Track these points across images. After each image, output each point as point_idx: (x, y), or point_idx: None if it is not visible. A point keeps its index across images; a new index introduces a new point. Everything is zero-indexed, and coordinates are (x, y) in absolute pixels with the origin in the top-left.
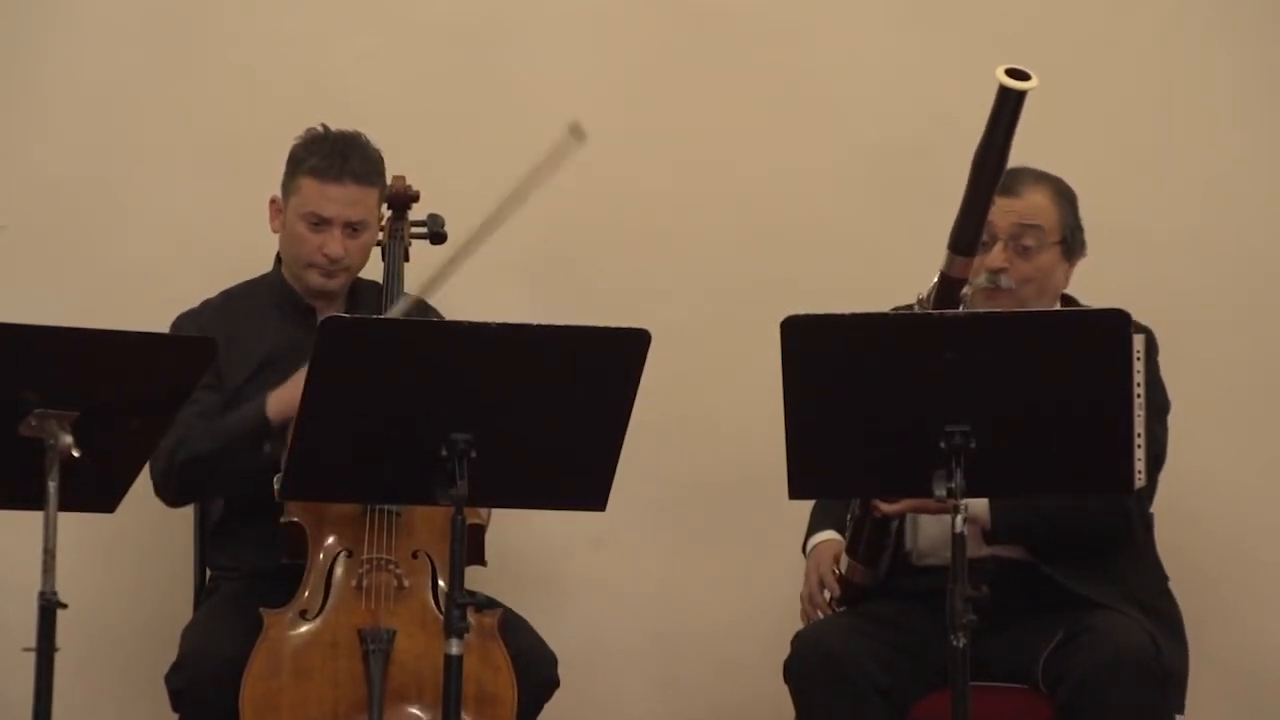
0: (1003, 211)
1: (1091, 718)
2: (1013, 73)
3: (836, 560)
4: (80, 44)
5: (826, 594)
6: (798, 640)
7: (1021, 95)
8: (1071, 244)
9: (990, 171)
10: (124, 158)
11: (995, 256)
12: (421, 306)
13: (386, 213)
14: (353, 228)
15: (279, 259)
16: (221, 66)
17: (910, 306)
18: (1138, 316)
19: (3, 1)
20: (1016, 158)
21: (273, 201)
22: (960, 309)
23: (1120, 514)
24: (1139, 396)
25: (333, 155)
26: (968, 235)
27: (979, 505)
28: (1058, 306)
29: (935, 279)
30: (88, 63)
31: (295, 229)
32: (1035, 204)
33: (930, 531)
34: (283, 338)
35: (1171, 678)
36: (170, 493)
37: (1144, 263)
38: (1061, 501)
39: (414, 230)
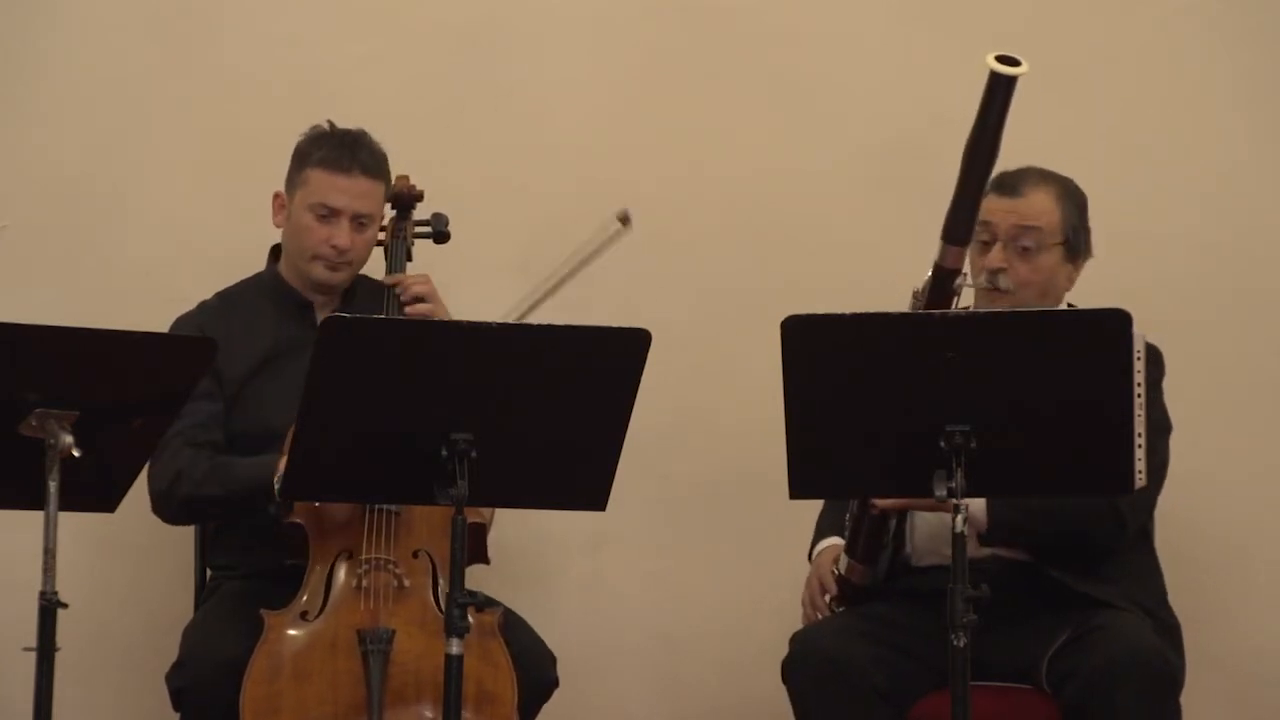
0: (1003, 212)
1: (1101, 715)
2: (1003, 59)
3: (835, 561)
4: (80, 44)
5: (826, 596)
6: (796, 641)
7: (1012, 81)
8: (1075, 245)
9: (982, 159)
10: (124, 158)
11: (994, 257)
12: None
13: (390, 212)
14: (360, 221)
15: (273, 256)
16: (222, 67)
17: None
18: (1138, 317)
19: (3, 1)
20: (1017, 159)
21: (276, 196)
22: (955, 299)
23: (1114, 517)
24: (1139, 397)
25: (342, 148)
26: (960, 224)
27: (976, 505)
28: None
29: (929, 271)
30: (88, 63)
31: (302, 221)
32: (1036, 204)
33: (926, 530)
34: (281, 334)
35: (1177, 683)
36: (167, 517)
37: (1144, 263)
38: (1057, 504)
39: (418, 230)
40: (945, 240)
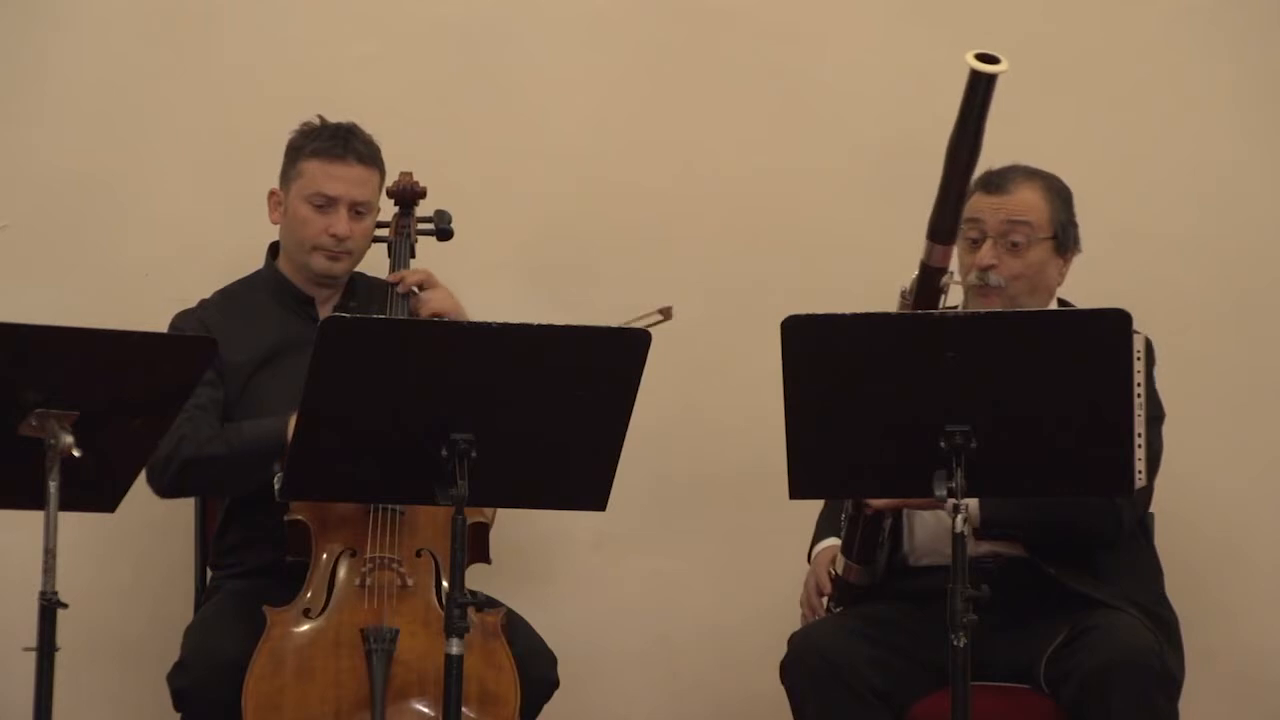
0: (991, 209)
1: (1097, 717)
2: (983, 58)
3: (833, 562)
4: (80, 44)
5: (824, 598)
6: (794, 641)
7: (992, 79)
8: (1064, 240)
9: (964, 157)
10: (124, 157)
11: (984, 254)
12: None
13: (394, 209)
14: (357, 210)
15: (272, 253)
16: (222, 67)
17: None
18: (1138, 317)
19: (3, 2)
20: (1016, 159)
21: (272, 194)
22: (942, 297)
23: (1110, 511)
24: (1139, 397)
25: (335, 139)
26: (945, 222)
27: (969, 501)
28: (1053, 304)
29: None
30: (88, 63)
31: (299, 213)
32: (1024, 200)
33: (925, 529)
34: (283, 330)
35: (1174, 681)
36: (163, 485)
37: (1144, 263)
38: (1052, 498)
39: (421, 227)
40: (930, 239)
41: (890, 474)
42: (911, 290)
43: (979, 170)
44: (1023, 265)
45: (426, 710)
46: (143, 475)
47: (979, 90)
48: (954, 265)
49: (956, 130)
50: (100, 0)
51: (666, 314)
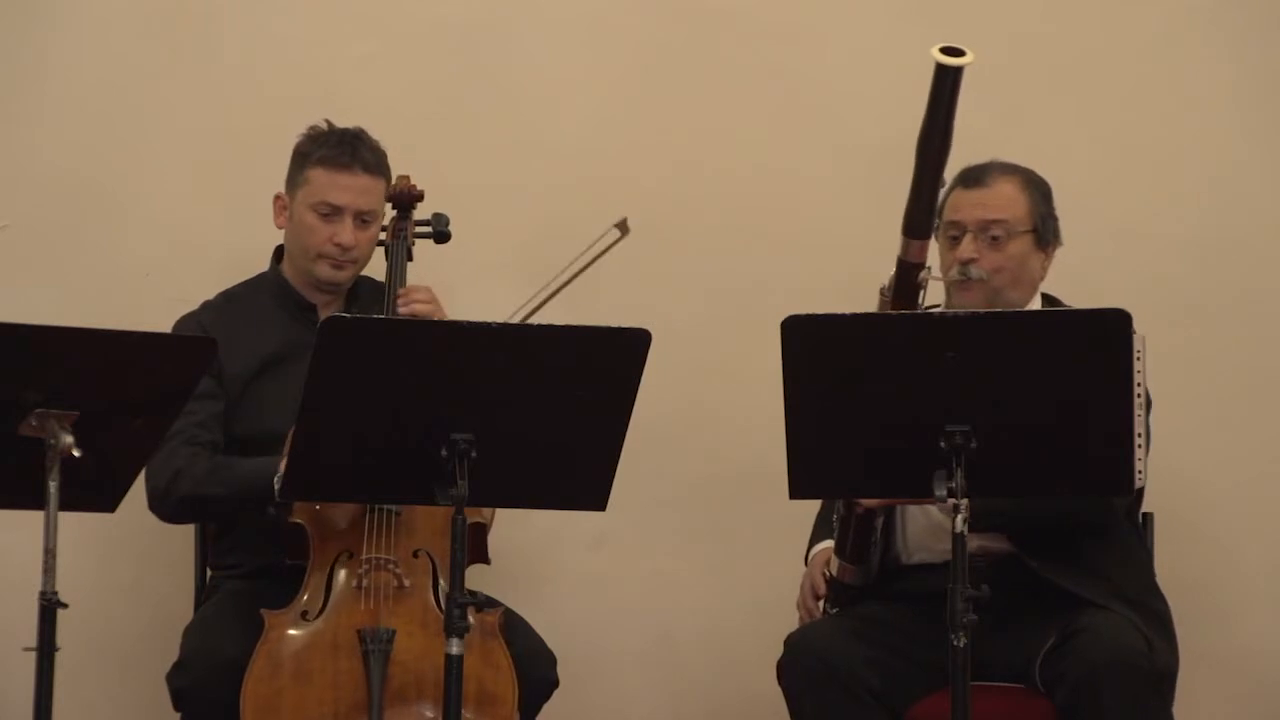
0: (970, 204)
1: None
2: (948, 50)
3: (827, 564)
4: (80, 44)
5: (820, 601)
6: (790, 642)
7: (958, 72)
8: (1044, 233)
9: (934, 151)
10: (124, 158)
11: (965, 248)
12: None
13: (391, 212)
14: (363, 218)
15: (276, 257)
16: (223, 67)
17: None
18: (1138, 316)
19: (3, 2)
20: (1018, 157)
21: (277, 198)
22: (922, 293)
23: (1099, 500)
24: (1139, 397)
25: (342, 146)
26: (919, 217)
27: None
28: (1036, 298)
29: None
30: (88, 63)
31: (305, 220)
32: (1002, 194)
33: (915, 526)
34: (285, 336)
35: (1164, 677)
36: (165, 517)
37: (1144, 262)
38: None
39: (419, 230)
40: (906, 234)
41: (890, 474)
42: (890, 287)
43: (959, 167)
44: (1004, 258)
45: (425, 711)
46: (143, 479)
47: (946, 84)
48: (933, 261)
49: (926, 125)
50: (100, 0)
51: (623, 228)
